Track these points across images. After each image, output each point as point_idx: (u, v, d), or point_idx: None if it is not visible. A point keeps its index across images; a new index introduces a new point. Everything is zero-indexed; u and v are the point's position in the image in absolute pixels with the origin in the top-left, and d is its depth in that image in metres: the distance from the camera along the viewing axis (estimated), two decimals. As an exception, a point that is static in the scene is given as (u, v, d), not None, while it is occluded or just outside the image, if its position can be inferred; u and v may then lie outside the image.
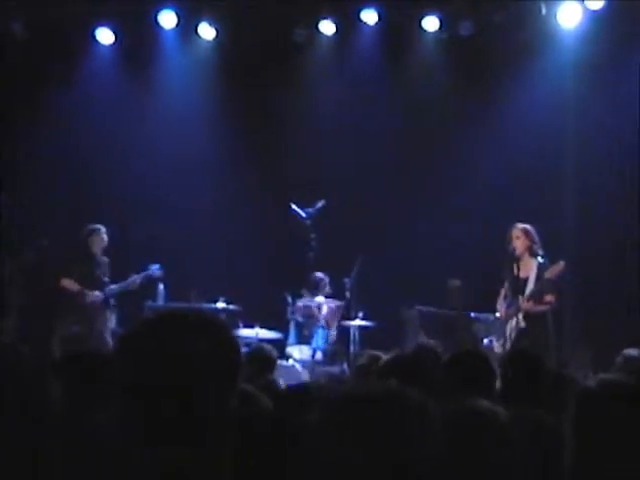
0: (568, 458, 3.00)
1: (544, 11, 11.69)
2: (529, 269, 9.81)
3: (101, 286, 10.93)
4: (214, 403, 2.14)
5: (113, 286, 11.01)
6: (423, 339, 10.63)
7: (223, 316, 10.40)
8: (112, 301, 11.02)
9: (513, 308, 9.74)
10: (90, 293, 10.81)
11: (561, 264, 9.55)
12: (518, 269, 9.80)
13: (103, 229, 11.04)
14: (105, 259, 11.13)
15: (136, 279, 11.05)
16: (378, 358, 6.63)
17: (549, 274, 9.57)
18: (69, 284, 10.85)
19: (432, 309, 11.24)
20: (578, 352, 10.88)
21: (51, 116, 12.43)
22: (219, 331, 2.22)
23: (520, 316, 9.68)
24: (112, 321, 11.00)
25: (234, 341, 2.26)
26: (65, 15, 12.13)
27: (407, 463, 2.05)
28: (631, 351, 5.97)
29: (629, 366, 5.69)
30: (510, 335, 9.69)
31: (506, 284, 9.87)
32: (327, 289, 11.25)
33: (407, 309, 11.28)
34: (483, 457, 2.50)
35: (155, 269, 11.05)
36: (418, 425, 2.08)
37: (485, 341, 10.09)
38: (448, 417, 2.45)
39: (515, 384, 4.71)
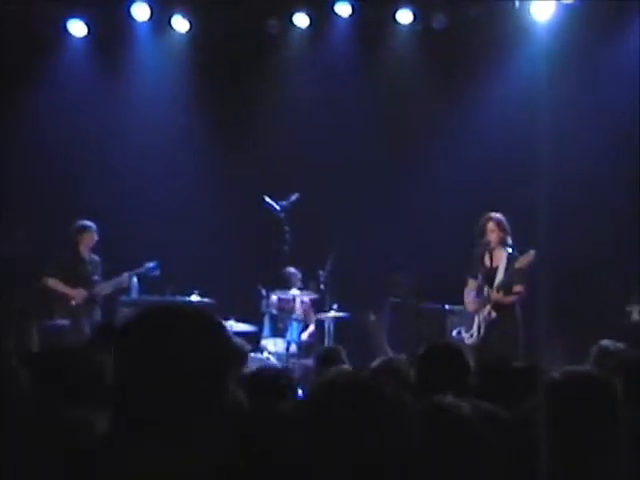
0: (542, 450, 3.02)
1: (518, 4, 11.73)
2: (499, 259, 9.84)
3: (88, 285, 10.66)
4: (207, 398, 2.13)
5: (103, 284, 10.78)
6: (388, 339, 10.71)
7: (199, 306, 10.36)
8: (99, 299, 10.78)
9: (482, 299, 9.77)
10: (74, 292, 10.59)
11: (531, 253, 9.54)
12: (491, 260, 9.84)
13: (93, 227, 10.76)
14: (95, 257, 10.87)
15: (126, 277, 10.82)
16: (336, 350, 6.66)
17: (519, 264, 9.58)
18: (53, 284, 10.65)
19: (405, 302, 11.28)
20: (552, 344, 10.93)
21: (23, 109, 12.35)
22: (212, 326, 2.21)
23: (490, 307, 9.70)
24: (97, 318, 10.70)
25: (227, 336, 2.25)
26: (36, 7, 12.05)
27: (382, 452, 2.04)
28: (605, 343, 6.00)
29: (602, 358, 5.72)
30: (480, 326, 9.72)
31: (479, 275, 9.88)
32: (299, 284, 11.24)
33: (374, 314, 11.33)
34: (449, 451, 2.50)
35: (151, 267, 10.79)
36: (393, 413, 2.08)
37: (454, 332, 10.09)
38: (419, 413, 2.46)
39: (484, 378, 4.72)
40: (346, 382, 2.17)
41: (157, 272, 10.84)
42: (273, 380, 5.12)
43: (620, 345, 5.90)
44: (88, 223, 10.79)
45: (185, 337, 2.15)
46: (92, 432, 2.56)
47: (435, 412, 2.55)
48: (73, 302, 10.57)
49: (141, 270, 10.84)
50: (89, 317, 10.59)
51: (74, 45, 12.68)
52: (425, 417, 2.45)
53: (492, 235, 9.84)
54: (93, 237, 10.79)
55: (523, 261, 9.55)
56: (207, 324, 2.20)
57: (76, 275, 10.65)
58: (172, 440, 2.09)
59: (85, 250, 10.81)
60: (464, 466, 2.52)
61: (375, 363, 5.43)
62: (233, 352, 2.22)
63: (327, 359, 6.55)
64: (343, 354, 6.78)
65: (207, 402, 2.13)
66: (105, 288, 10.80)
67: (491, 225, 9.86)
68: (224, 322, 10.39)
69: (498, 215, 9.91)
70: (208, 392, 2.14)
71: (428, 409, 2.55)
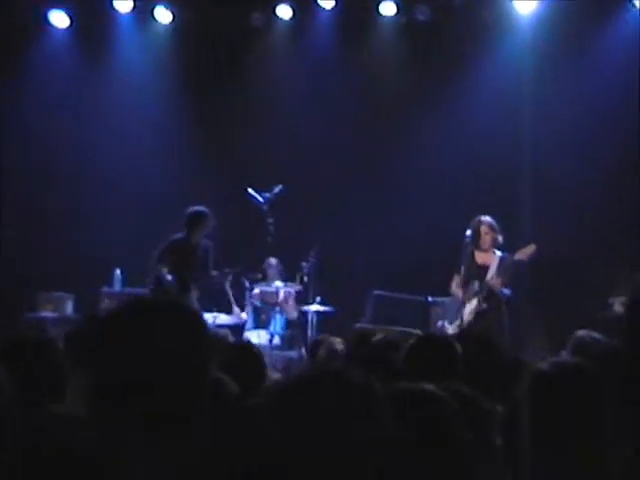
0: (524, 439, 3.03)
1: (501, -4, 11.78)
2: (491, 259, 9.95)
3: (196, 269, 10.27)
4: (186, 392, 2.13)
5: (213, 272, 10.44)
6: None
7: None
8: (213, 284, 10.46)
9: (471, 291, 9.84)
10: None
11: (532, 246, 9.69)
12: (482, 259, 9.94)
13: (210, 215, 10.34)
14: (208, 242, 10.43)
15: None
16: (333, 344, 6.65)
17: (520, 255, 9.74)
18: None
19: (389, 294, 11.28)
20: (535, 335, 10.98)
21: (4, 101, 12.28)
22: (190, 320, 2.21)
23: (480, 298, 9.79)
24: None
25: (206, 329, 2.24)
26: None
27: (350, 443, 2.04)
28: (582, 333, 6.04)
29: (580, 348, 5.75)
30: (468, 318, 9.78)
31: (468, 272, 9.93)
32: (280, 275, 11.23)
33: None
34: (425, 438, 2.50)
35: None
36: (361, 405, 2.08)
37: (438, 324, 10.14)
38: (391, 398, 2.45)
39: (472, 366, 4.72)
40: (309, 375, 2.17)
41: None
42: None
43: (597, 335, 5.94)
44: (203, 211, 10.36)
45: (163, 329, 2.14)
46: (78, 429, 2.55)
47: (409, 399, 2.55)
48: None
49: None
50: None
51: (56, 36, 12.62)
52: (399, 403, 2.45)
53: (486, 238, 9.96)
54: (209, 226, 10.35)
55: (525, 252, 9.72)
56: (184, 316, 2.20)
57: (184, 264, 10.18)
58: (157, 432, 2.09)
59: (198, 236, 10.38)
60: (440, 454, 2.52)
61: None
62: (211, 343, 2.22)
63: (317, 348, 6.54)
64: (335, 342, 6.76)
65: (188, 393, 2.13)
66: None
67: (484, 229, 9.96)
68: (207, 314, 10.42)
69: (489, 218, 10.00)
70: (189, 383, 2.13)
71: (402, 395, 2.55)
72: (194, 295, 10.31)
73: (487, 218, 10.02)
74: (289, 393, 2.12)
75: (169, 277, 10.09)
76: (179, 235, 10.38)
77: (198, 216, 10.35)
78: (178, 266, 10.20)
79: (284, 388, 2.15)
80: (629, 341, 2.11)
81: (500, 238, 9.98)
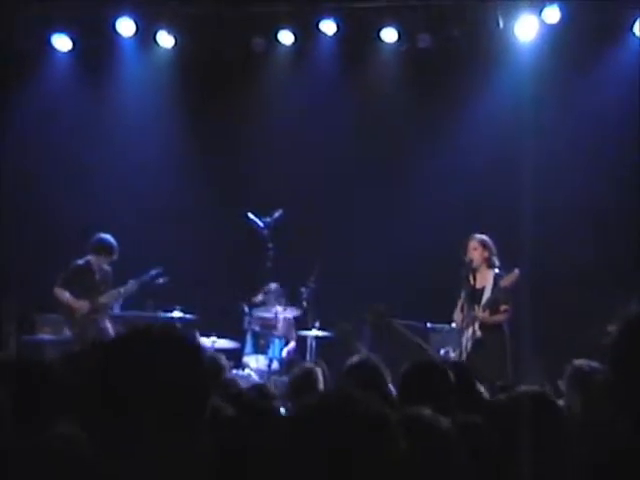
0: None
1: (501, 24, 11.79)
2: (485, 280, 9.81)
3: (94, 295, 10.63)
4: (187, 416, 2.14)
5: (107, 294, 10.75)
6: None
7: (179, 325, 10.32)
8: (104, 308, 10.76)
9: (469, 318, 9.75)
10: (77, 304, 10.55)
11: (516, 272, 9.54)
12: (474, 280, 9.81)
13: (115, 247, 10.70)
14: (106, 267, 10.84)
15: (132, 285, 10.76)
16: (312, 372, 6.63)
17: (504, 282, 9.57)
18: (59, 293, 10.59)
19: (390, 319, 11.26)
20: (533, 362, 10.94)
21: (7, 125, 12.30)
22: (187, 348, 2.23)
23: (476, 326, 9.66)
24: (109, 329, 10.62)
25: (201, 357, 2.26)
26: (21, 22, 12.03)
27: (366, 471, 2.04)
28: (579, 362, 6.01)
29: (576, 377, 5.74)
30: (466, 345, 9.70)
31: (462, 294, 9.87)
32: (282, 300, 11.22)
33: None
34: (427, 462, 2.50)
35: (155, 274, 10.71)
36: (377, 432, 2.07)
37: (441, 352, 10.07)
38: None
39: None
40: (331, 403, 2.16)
41: (162, 279, 10.72)
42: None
43: (594, 364, 5.92)
44: (108, 239, 10.71)
45: (166, 358, 2.19)
46: (81, 448, 2.56)
47: (412, 424, 2.55)
48: (75, 309, 10.55)
49: (146, 278, 10.74)
50: (94, 329, 10.45)
51: (59, 60, 12.66)
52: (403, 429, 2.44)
53: (475, 252, 9.81)
54: (112, 257, 10.75)
55: (508, 279, 9.54)
56: (181, 345, 2.22)
57: (83, 286, 10.58)
58: (157, 455, 2.10)
59: (97, 263, 10.76)
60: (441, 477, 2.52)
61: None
62: (209, 373, 2.24)
63: (302, 385, 6.50)
64: (319, 376, 6.72)
65: (187, 419, 2.15)
66: (110, 297, 10.78)
67: (474, 243, 9.85)
68: (206, 338, 10.41)
69: (481, 235, 9.91)
70: (187, 410, 2.15)
71: (405, 421, 2.54)
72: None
73: (480, 235, 9.91)
74: (303, 420, 2.11)
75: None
76: (79, 261, 10.73)
77: (98, 246, 10.72)
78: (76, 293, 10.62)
79: (298, 414, 2.14)
80: (615, 372, 2.10)
81: (493, 258, 9.85)
